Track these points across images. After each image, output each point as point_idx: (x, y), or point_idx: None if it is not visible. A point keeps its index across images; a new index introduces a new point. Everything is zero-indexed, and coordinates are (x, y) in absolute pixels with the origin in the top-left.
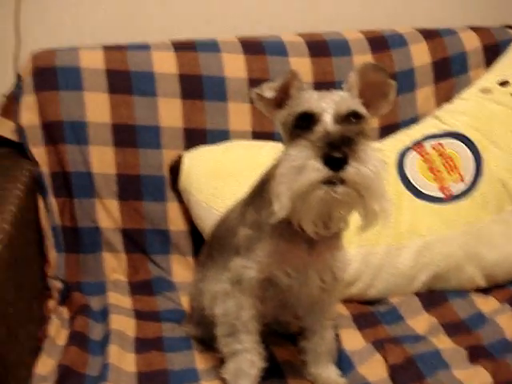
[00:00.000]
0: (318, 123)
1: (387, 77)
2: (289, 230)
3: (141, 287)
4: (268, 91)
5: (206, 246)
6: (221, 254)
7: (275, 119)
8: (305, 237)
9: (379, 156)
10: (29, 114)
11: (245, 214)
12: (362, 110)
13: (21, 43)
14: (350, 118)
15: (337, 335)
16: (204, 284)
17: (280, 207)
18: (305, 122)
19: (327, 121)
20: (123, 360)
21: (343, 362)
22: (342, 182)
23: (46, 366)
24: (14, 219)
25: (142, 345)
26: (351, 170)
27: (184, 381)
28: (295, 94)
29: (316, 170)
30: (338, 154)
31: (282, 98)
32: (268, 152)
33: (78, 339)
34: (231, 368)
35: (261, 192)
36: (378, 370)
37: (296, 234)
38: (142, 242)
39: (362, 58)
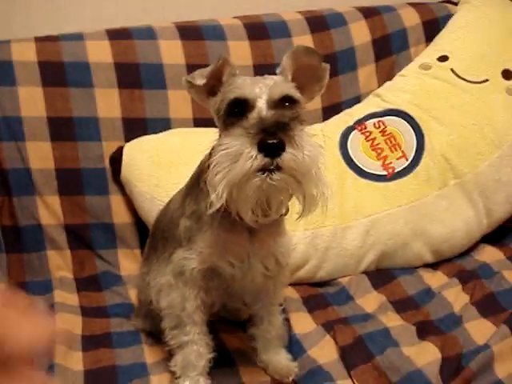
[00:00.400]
0: (251, 109)
1: (320, 60)
2: (229, 220)
3: (88, 283)
4: (199, 79)
5: (150, 238)
6: (164, 245)
7: (209, 107)
8: (245, 225)
9: (314, 141)
10: None
11: (184, 205)
12: (296, 94)
13: None
14: (284, 102)
15: (287, 319)
16: (150, 277)
17: (216, 197)
18: (238, 109)
19: (261, 106)
20: (70, 359)
21: (294, 346)
22: (279, 168)
23: None
24: None
25: (90, 342)
26: (287, 156)
27: (133, 375)
28: (227, 81)
29: (251, 157)
30: (273, 140)
31: (214, 85)
32: (210, 138)
33: None
34: (179, 360)
35: (198, 182)
36: (328, 351)
37: (236, 223)
38: (86, 238)
39: (302, 38)
